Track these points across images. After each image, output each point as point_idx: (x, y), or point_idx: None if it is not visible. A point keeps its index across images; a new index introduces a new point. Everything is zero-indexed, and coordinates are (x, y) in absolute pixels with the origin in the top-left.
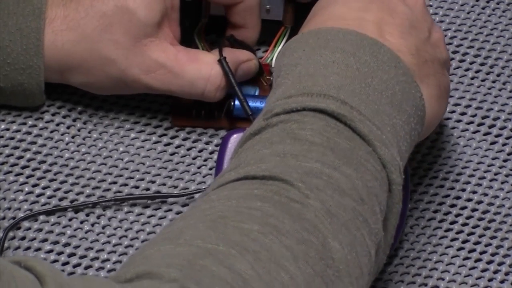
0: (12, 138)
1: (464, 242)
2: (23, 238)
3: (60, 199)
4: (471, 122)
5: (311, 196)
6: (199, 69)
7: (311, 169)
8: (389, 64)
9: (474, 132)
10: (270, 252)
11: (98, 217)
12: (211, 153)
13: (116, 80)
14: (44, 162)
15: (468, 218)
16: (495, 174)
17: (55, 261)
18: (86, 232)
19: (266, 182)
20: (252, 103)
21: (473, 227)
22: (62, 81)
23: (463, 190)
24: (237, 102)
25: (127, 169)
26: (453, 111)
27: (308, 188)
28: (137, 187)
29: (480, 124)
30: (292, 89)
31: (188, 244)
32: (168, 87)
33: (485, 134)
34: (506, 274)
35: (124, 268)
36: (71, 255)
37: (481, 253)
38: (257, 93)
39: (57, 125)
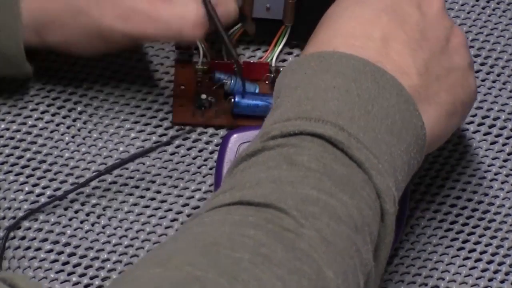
0: (12, 138)
1: (464, 242)
2: (23, 238)
3: (60, 199)
4: (471, 122)
5: (305, 225)
6: (173, 8)
7: (307, 196)
8: (391, 91)
9: (474, 132)
10: (260, 282)
11: (98, 217)
12: (211, 153)
13: (91, 33)
14: (44, 162)
15: (468, 218)
16: (495, 174)
17: (55, 261)
18: (86, 232)
19: (261, 209)
20: (251, 101)
21: (473, 227)
22: (40, 43)
23: (463, 190)
24: (237, 99)
25: (127, 169)
26: None
27: (303, 217)
28: (137, 187)
29: (480, 124)
30: (291, 112)
31: (177, 269)
32: (144, 32)
33: (485, 134)
34: (506, 274)
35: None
36: (71, 255)
37: (481, 253)
38: (257, 91)
39: (57, 125)
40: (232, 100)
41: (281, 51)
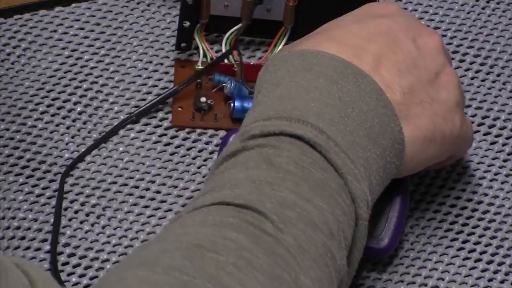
0: (12, 138)
1: (464, 242)
2: (22, 238)
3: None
4: (471, 122)
5: (284, 231)
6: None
7: (285, 199)
8: (371, 95)
9: (474, 132)
10: (244, 287)
11: (98, 217)
12: (211, 153)
13: None
14: (44, 162)
15: (468, 218)
16: (495, 174)
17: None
18: (86, 232)
19: (241, 210)
20: (251, 105)
21: (473, 227)
22: None
23: (463, 190)
24: (237, 104)
25: (127, 169)
26: None
27: (282, 222)
28: (137, 187)
29: (480, 124)
30: (272, 110)
31: (165, 273)
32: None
33: (485, 134)
34: (506, 274)
35: None
36: (71, 255)
37: (481, 253)
38: None
39: (57, 125)
40: (232, 104)
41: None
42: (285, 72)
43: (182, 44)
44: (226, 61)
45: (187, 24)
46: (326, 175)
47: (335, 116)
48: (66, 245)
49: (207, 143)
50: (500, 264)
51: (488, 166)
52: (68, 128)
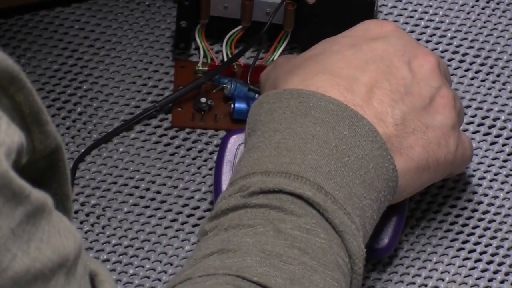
0: None
1: (464, 242)
2: None
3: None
4: (471, 123)
5: None
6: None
7: (294, 274)
8: (366, 138)
9: (474, 132)
10: None
11: (98, 217)
12: (211, 153)
13: None
14: None
15: (468, 218)
16: (495, 174)
17: None
18: (86, 232)
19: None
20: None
21: (473, 228)
22: None
23: (463, 190)
24: (237, 105)
25: (127, 169)
26: None
27: None
28: (137, 187)
29: (480, 124)
30: (270, 163)
31: None
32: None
33: (485, 134)
34: (506, 274)
35: None
36: None
37: (481, 254)
38: (256, 96)
39: (57, 126)
40: (232, 105)
41: (281, 53)
42: (281, 114)
43: (181, 45)
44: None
45: (184, 24)
46: (328, 237)
47: (332, 168)
48: None
49: (207, 143)
50: (500, 264)
51: (488, 166)
52: (68, 128)
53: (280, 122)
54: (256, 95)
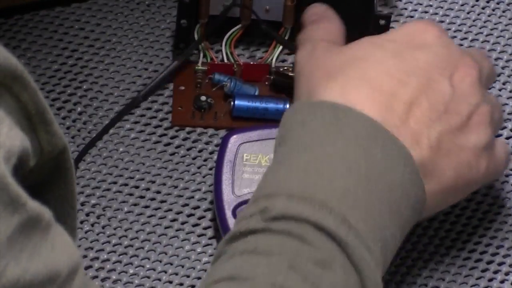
0: None
1: (465, 242)
2: None
3: None
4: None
5: None
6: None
7: None
8: (399, 161)
9: None
10: None
11: (98, 217)
12: (211, 153)
13: None
14: None
15: (468, 218)
16: None
17: None
18: (86, 232)
19: None
20: (251, 103)
21: (474, 228)
22: None
23: None
24: (237, 102)
25: (127, 169)
26: None
27: None
28: (137, 187)
29: None
30: (296, 185)
31: None
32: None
33: None
34: (506, 274)
35: None
36: None
37: (481, 253)
38: (256, 93)
39: None
40: (232, 103)
41: (281, 51)
42: (313, 130)
43: (181, 45)
44: (226, 60)
45: (185, 23)
46: (344, 273)
47: (359, 195)
48: None
49: (207, 143)
50: (500, 264)
51: None
52: (68, 128)
53: (312, 138)
54: (256, 91)
